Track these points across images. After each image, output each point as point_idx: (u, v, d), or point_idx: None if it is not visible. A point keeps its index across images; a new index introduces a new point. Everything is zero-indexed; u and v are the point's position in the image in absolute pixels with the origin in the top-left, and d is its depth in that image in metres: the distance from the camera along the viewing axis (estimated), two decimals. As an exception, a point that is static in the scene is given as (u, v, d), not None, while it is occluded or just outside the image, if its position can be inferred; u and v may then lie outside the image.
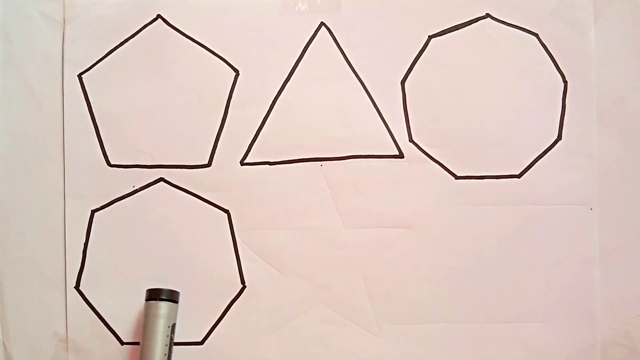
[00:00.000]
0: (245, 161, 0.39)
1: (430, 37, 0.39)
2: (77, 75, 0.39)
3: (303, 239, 0.38)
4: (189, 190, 0.39)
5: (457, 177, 0.38)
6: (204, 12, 0.39)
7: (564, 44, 0.39)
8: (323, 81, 0.39)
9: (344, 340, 0.38)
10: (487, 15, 0.39)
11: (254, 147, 0.39)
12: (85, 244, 0.39)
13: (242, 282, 0.39)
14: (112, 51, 0.39)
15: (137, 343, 0.38)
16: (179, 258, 0.39)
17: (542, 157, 0.38)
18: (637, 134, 0.38)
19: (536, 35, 0.39)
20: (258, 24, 0.39)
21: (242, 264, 0.39)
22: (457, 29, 0.39)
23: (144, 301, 0.37)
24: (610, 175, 0.38)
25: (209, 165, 0.39)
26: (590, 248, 0.38)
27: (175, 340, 0.38)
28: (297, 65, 0.39)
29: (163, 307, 0.36)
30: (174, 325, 0.37)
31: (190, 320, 0.39)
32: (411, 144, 0.39)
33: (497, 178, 0.38)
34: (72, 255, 0.39)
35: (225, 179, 0.39)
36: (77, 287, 0.39)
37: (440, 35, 0.39)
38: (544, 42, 0.39)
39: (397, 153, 0.39)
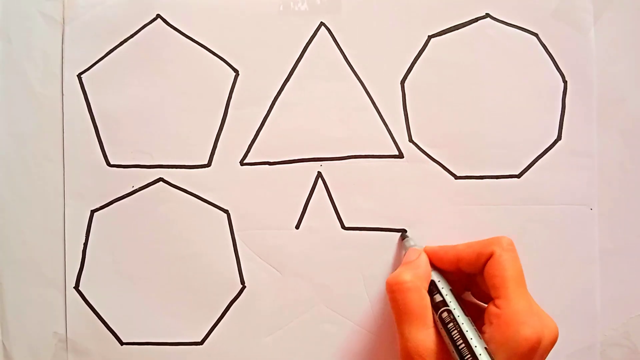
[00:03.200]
0: (245, 161, 0.39)
1: (430, 37, 0.39)
2: (77, 75, 0.39)
3: (303, 239, 0.38)
4: (189, 190, 0.39)
5: (457, 177, 0.38)
6: (204, 12, 0.39)
7: (564, 44, 0.38)
8: (323, 81, 0.39)
9: (343, 340, 0.38)
10: (487, 15, 0.39)
11: (253, 147, 0.39)
12: (85, 244, 0.39)
13: (242, 282, 0.39)
14: (112, 51, 0.39)
15: (137, 343, 0.39)
16: (179, 258, 0.39)
17: (542, 157, 0.38)
18: (637, 134, 0.38)
19: (536, 35, 0.39)
20: (258, 24, 0.39)
21: (241, 264, 0.39)
22: (457, 29, 0.39)
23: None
24: (610, 175, 0.38)
25: (208, 165, 0.39)
26: (590, 248, 0.38)
27: (175, 340, 0.38)
28: (297, 65, 0.39)
29: None
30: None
31: (189, 320, 0.39)
32: (411, 144, 0.39)
33: (496, 178, 0.38)
34: (71, 255, 0.39)
35: (225, 179, 0.39)
36: (76, 287, 0.39)
37: (440, 35, 0.39)
38: (544, 42, 0.39)
39: (397, 153, 0.39)
